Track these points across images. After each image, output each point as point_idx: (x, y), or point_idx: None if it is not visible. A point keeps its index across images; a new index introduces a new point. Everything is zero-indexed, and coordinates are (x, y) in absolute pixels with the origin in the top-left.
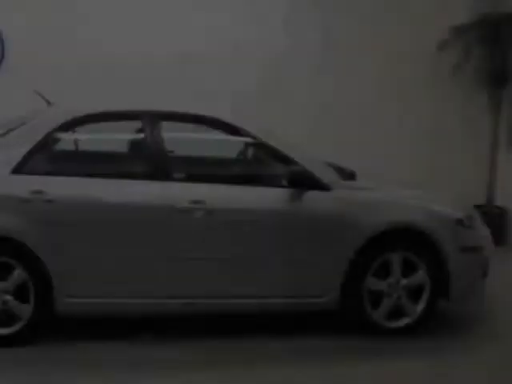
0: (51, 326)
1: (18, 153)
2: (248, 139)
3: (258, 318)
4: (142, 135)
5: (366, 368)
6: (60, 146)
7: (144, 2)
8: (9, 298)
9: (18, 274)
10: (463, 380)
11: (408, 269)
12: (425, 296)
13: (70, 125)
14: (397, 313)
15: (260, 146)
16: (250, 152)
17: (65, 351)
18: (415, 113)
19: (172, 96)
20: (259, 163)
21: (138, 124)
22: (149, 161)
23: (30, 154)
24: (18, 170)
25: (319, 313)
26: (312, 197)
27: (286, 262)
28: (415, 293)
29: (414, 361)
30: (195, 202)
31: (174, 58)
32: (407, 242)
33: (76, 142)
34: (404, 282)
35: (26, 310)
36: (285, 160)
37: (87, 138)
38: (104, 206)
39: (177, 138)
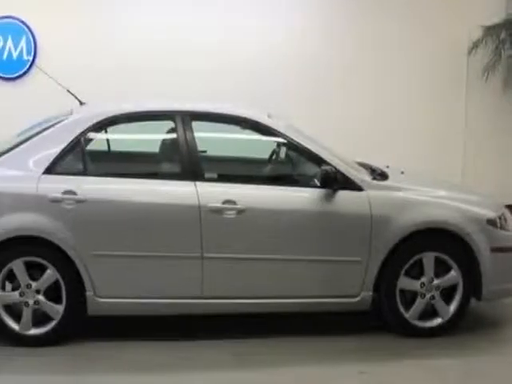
0: (84, 325)
1: (50, 153)
2: (280, 139)
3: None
4: (173, 135)
5: (399, 366)
6: (92, 146)
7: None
8: (41, 298)
9: (50, 274)
10: (492, 379)
11: (441, 269)
12: (457, 296)
13: (102, 125)
14: (429, 313)
15: (292, 146)
16: (282, 152)
17: (98, 351)
18: (446, 112)
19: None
20: (291, 163)
21: (169, 124)
22: (180, 161)
23: (62, 154)
24: (50, 170)
25: (352, 313)
26: (344, 197)
27: (318, 263)
28: (448, 293)
29: (443, 359)
30: (227, 202)
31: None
32: (440, 241)
33: (108, 142)
34: (437, 281)
35: (58, 310)
36: (317, 160)
37: (119, 138)
38: (135, 206)
39: (209, 138)
